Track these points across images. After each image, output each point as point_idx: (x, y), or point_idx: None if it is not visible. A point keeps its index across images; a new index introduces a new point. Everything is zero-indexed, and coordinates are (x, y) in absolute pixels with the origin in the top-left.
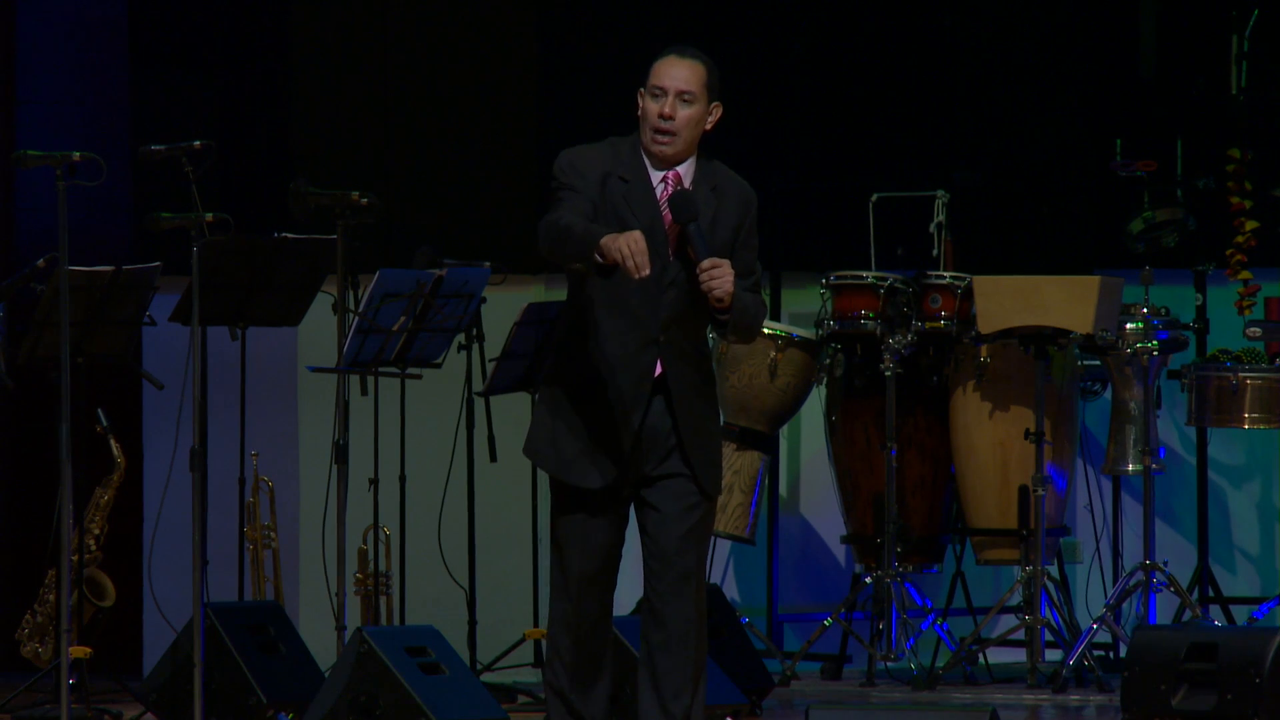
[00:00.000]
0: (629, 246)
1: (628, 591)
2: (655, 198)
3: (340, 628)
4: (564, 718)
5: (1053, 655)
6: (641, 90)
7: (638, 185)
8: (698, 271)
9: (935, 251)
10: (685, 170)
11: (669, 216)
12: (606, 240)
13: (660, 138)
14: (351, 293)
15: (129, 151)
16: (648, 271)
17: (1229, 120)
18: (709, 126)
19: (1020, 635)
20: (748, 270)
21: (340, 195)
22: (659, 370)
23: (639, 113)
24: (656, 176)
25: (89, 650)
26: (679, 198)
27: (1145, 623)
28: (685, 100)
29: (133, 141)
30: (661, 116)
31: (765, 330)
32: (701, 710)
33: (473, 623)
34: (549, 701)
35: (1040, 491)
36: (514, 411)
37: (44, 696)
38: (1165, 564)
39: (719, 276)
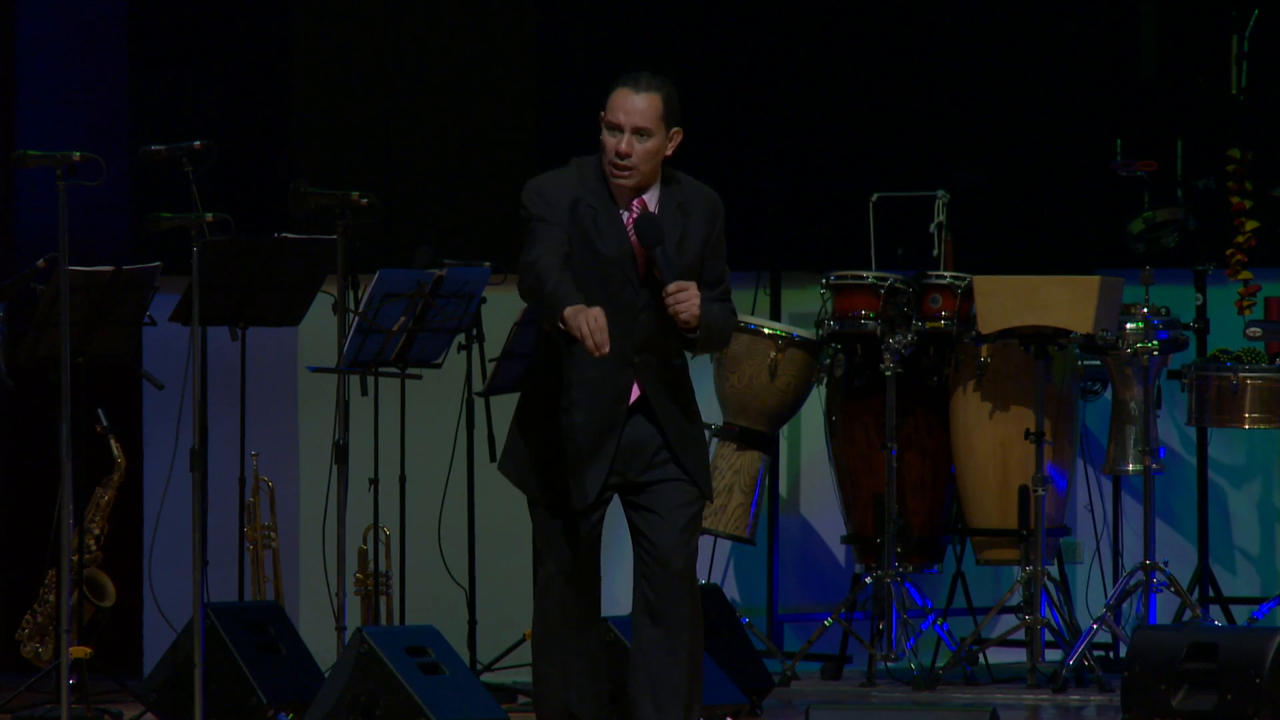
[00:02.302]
0: (589, 325)
1: (628, 591)
2: (623, 223)
3: (340, 628)
4: (559, 718)
5: (1053, 655)
6: (602, 114)
7: (604, 211)
8: (664, 295)
9: (935, 251)
10: (650, 195)
11: (636, 240)
12: (569, 314)
13: (619, 173)
14: (351, 293)
15: (129, 151)
16: (607, 350)
17: (1229, 120)
18: (669, 153)
19: (1020, 635)
20: (717, 279)
21: (340, 195)
22: (636, 393)
23: (601, 138)
24: (622, 202)
25: (89, 650)
26: (644, 223)
27: (1145, 623)
28: (641, 134)
29: (133, 141)
30: (618, 154)
31: (765, 330)
32: (699, 709)
33: (473, 623)
34: (538, 705)
35: (1040, 491)
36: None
37: (44, 696)
38: (1165, 564)
39: (685, 301)
